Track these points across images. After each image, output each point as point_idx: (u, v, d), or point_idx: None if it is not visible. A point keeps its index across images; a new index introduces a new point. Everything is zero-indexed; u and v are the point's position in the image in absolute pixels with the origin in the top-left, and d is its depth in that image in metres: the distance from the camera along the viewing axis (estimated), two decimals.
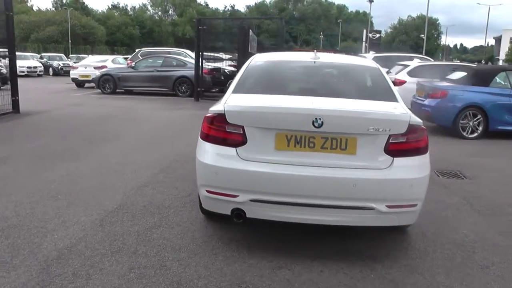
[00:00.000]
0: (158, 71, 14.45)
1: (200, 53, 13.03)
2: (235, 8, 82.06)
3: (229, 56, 18.68)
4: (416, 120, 3.15)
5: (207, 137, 3.24)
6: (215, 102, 3.57)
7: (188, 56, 16.82)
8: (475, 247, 3.57)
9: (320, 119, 2.97)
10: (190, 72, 13.84)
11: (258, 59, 4.21)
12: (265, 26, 49.26)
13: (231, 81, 5.52)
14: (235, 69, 16.43)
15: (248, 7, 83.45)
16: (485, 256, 3.43)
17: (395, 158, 3.08)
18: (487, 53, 66.15)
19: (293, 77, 4.01)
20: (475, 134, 8.31)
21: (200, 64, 13.01)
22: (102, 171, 5.37)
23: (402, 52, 24.74)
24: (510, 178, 5.87)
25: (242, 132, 3.09)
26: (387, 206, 3.04)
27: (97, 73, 15.70)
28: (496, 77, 8.35)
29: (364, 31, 41.88)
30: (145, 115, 10.52)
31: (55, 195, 4.40)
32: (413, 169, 3.11)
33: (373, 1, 43.83)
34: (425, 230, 3.82)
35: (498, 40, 75.76)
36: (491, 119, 8.15)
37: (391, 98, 3.56)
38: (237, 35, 14.07)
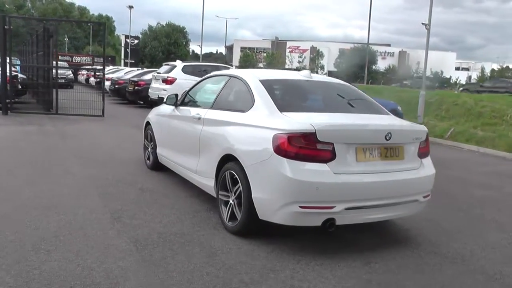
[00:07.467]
0: None
1: (8, 58, 10.87)
2: None
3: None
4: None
5: (288, 154, 3.36)
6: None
7: None
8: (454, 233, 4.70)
9: (390, 133, 3.58)
10: None
11: (261, 77, 4.34)
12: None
13: (185, 93, 5.35)
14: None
15: None
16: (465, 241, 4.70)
17: (422, 159, 3.95)
18: (220, 60, 74.47)
19: (317, 95, 4.39)
20: None
21: (9, 72, 10.86)
22: (35, 207, 4.39)
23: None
24: None
25: (331, 148, 3.38)
26: (423, 197, 3.89)
27: None
28: None
29: (123, 36, 41.51)
30: None
31: (37, 245, 3.51)
32: (431, 166, 4.04)
33: (133, 7, 43.82)
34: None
35: (230, 48, 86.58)
36: None
37: (384, 111, 4.41)
38: (41, 38, 12.35)
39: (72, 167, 6.24)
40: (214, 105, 4.66)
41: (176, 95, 5.52)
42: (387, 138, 3.57)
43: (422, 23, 12.93)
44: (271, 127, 3.57)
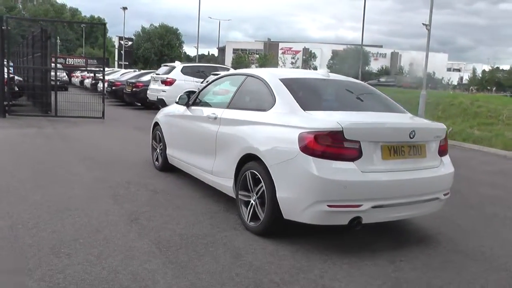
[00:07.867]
0: None
1: (6, 60, 10.73)
2: None
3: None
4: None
5: (314, 153, 3.34)
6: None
7: None
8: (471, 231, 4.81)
9: (414, 131, 3.57)
10: None
11: (280, 75, 4.33)
12: None
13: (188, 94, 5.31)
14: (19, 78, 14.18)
15: None
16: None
17: (442, 157, 3.94)
18: (212, 61, 74.18)
19: (336, 93, 4.38)
20: None
21: (7, 73, 10.70)
22: (47, 210, 4.32)
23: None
24: None
25: (358, 146, 3.36)
26: (443, 194, 3.89)
27: None
28: None
29: (117, 38, 41.29)
30: None
31: (57, 249, 3.44)
32: (450, 164, 4.04)
33: (127, 8, 43.61)
34: None
35: (222, 50, 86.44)
36: None
37: (401, 109, 4.40)
38: (38, 39, 12.21)
39: (78, 169, 6.15)
40: (231, 105, 4.60)
41: (188, 95, 5.46)
42: (411, 136, 3.57)
43: (423, 24, 13.03)
44: (296, 126, 3.54)
